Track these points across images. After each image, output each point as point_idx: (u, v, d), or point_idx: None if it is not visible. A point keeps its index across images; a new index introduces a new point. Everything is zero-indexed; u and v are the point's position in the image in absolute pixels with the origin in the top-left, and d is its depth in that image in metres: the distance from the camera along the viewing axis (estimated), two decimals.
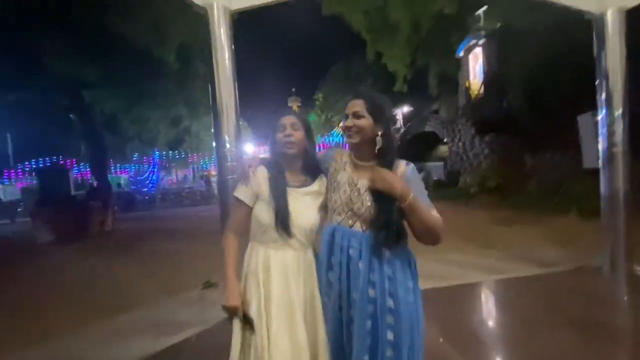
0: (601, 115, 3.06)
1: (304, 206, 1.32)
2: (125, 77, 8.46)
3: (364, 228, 1.23)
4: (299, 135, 1.32)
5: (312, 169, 1.38)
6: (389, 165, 1.22)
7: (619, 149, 2.97)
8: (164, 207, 17.95)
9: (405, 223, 1.21)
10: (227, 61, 2.53)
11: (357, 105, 1.25)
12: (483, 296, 3.24)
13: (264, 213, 1.29)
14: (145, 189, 20.65)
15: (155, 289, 4.14)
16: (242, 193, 1.33)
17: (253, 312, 1.23)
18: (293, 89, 29.44)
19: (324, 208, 1.36)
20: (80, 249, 7.23)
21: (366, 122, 1.24)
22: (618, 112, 2.95)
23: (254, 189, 1.31)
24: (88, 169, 17.78)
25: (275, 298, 1.23)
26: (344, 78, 20.29)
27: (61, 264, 6.10)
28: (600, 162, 3.13)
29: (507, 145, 9.51)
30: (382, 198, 1.18)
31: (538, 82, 8.94)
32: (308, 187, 1.35)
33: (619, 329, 2.46)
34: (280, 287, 1.25)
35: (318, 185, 1.37)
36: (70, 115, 12.40)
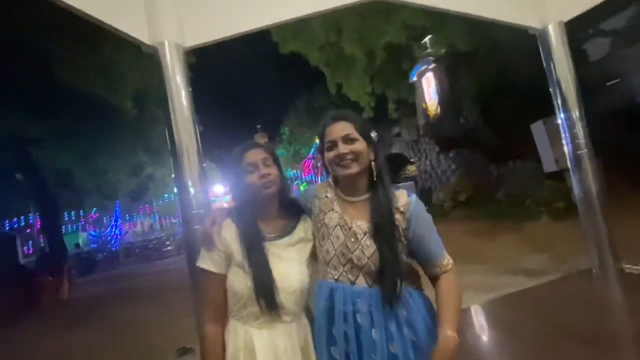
0: (561, 120, 3.18)
1: (289, 263, 1.02)
2: (76, 129, 7.95)
3: (370, 283, 0.96)
4: (274, 170, 1.05)
5: (291, 209, 1.10)
6: (388, 197, 1.00)
7: (584, 151, 3.06)
8: (129, 263, 16.57)
9: (412, 262, 1.02)
10: (183, 101, 2.32)
11: (346, 127, 1.02)
12: (481, 320, 3.07)
13: (239, 282, 0.97)
14: (108, 246, 19.07)
15: None
16: (207, 262, 1.00)
17: None
18: (259, 126, 29.62)
19: (315, 258, 1.07)
20: (31, 326, 6.29)
21: (362, 145, 1.01)
22: (576, 115, 3.07)
23: (224, 251, 1.00)
24: (40, 232, 16.20)
25: None
26: (308, 110, 20.73)
27: (7, 348, 5.21)
28: (569, 164, 3.21)
29: (471, 159, 9.89)
30: (387, 240, 0.95)
31: (487, 97, 9.58)
32: (290, 235, 1.06)
33: (618, 332, 2.37)
34: None
35: (302, 229, 1.08)
36: (16, 175, 11.38)
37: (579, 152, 3.07)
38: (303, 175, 22.61)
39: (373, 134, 1.06)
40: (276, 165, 1.08)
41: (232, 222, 1.02)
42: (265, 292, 0.95)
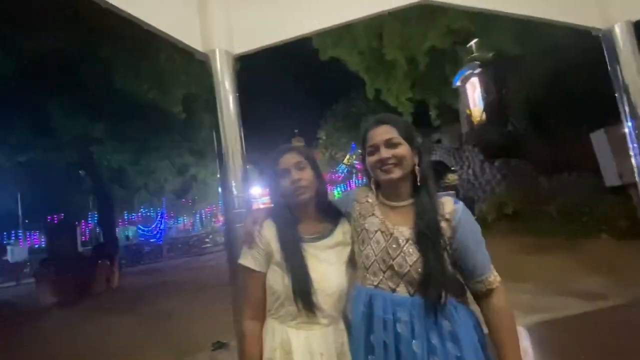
0: (628, 129, 2.87)
1: (328, 265, 1.01)
2: (131, 131, 8.66)
3: (412, 292, 0.93)
4: (307, 175, 1.05)
5: (329, 212, 1.09)
6: (433, 203, 0.96)
7: None
8: (172, 257, 17.56)
9: (459, 276, 0.96)
10: (231, 106, 2.41)
11: (389, 131, 1.00)
12: (528, 344, 2.83)
13: (277, 281, 0.99)
14: (153, 240, 20.40)
15: (162, 353, 3.78)
16: (249, 259, 1.03)
17: None
18: (296, 130, 30.13)
19: (353, 262, 1.06)
20: (84, 310, 6.88)
21: (406, 149, 0.98)
22: None
23: (264, 249, 1.02)
24: (96, 224, 17.75)
25: None
26: (345, 116, 20.75)
27: (62, 328, 5.75)
28: (637, 178, 2.88)
29: (519, 169, 9.26)
30: (431, 247, 0.91)
31: (539, 104, 8.94)
32: (329, 237, 1.05)
33: None
34: None
35: (341, 232, 1.07)
36: (80, 172, 12.61)
37: None
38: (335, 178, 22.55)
39: (417, 138, 1.02)
40: (312, 168, 1.07)
41: (272, 222, 1.04)
42: (302, 291, 0.95)
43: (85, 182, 13.25)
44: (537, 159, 8.86)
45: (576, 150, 7.31)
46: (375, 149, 1.00)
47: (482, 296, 0.97)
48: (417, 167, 1.00)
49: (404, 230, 0.96)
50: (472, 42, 11.75)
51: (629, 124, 2.90)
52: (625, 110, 2.93)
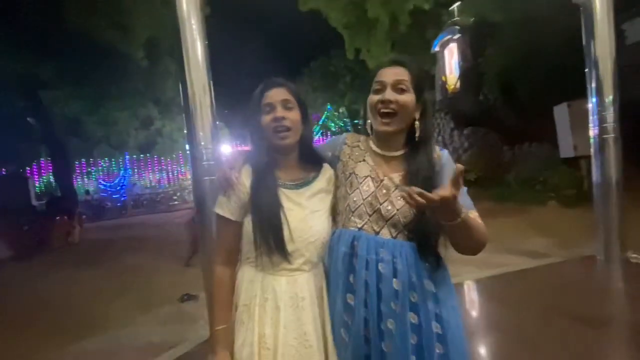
0: (591, 103, 3.02)
1: (311, 212, 0.96)
2: (87, 75, 7.82)
3: (394, 234, 0.95)
4: (294, 116, 0.94)
5: (312, 158, 1.03)
6: (428, 155, 0.96)
7: (610, 136, 2.93)
8: (137, 213, 17.05)
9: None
10: (199, 50, 2.22)
11: (402, 74, 0.94)
12: (479, 294, 3.13)
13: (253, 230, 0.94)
14: (116, 195, 19.55)
15: (127, 306, 3.75)
16: (224, 208, 0.96)
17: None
18: None
19: (334, 209, 1.03)
20: (43, 264, 6.61)
21: (410, 98, 0.94)
22: (609, 99, 2.91)
23: (241, 198, 0.95)
24: (51, 177, 16.61)
25: (283, 341, 0.90)
26: (323, 75, 20.06)
27: (20, 282, 5.53)
28: (592, 149, 3.09)
29: (485, 138, 9.64)
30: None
31: (512, 75, 9.12)
32: (311, 184, 0.99)
33: (618, 318, 2.41)
34: (289, 324, 0.91)
35: (324, 179, 1.02)
36: (28, 119, 11.46)
37: (604, 136, 2.94)
38: None
39: (427, 91, 0.98)
40: (300, 111, 0.98)
41: (250, 167, 0.97)
42: (276, 244, 0.91)
43: (36, 131, 12.11)
44: (503, 129, 9.23)
45: (541, 122, 7.67)
46: (382, 87, 0.95)
47: None
48: (417, 122, 0.96)
49: (394, 177, 0.97)
50: (455, 5, 11.50)
51: (594, 99, 3.06)
52: (592, 86, 3.07)
